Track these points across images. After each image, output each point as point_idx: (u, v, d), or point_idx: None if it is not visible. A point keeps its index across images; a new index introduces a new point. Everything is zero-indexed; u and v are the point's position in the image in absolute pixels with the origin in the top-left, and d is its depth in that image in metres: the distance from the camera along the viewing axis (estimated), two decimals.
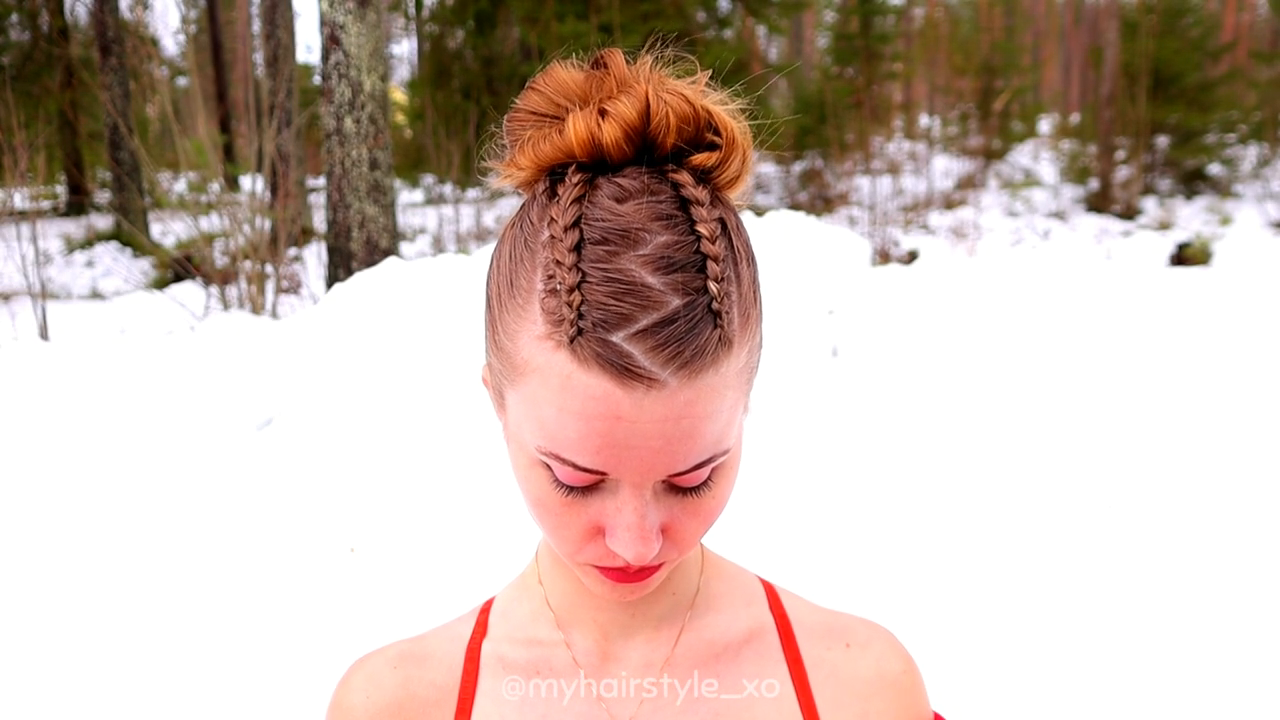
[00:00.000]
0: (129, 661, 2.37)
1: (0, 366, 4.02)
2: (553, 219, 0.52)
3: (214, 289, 8.15)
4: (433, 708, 0.65)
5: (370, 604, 2.58)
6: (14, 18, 16.24)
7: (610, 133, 0.52)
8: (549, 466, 0.53)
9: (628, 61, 0.55)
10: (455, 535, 2.87)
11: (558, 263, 0.50)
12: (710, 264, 0.50)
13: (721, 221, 0.53)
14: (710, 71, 0.56)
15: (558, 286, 0.50)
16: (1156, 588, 2.57)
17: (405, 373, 3.82)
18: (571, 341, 0.49)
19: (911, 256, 13.34)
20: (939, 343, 4.41)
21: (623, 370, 0.48)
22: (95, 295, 11.27)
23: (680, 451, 0.51)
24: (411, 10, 19.69)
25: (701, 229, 0.51)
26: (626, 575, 0.56)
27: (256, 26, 22.08)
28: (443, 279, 4.55)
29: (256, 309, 7.63)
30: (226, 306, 7.87)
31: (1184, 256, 12.70)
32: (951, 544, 2.81)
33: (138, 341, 5.14)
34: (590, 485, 0.53)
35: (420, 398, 3.64)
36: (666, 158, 0.53)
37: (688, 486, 0.54)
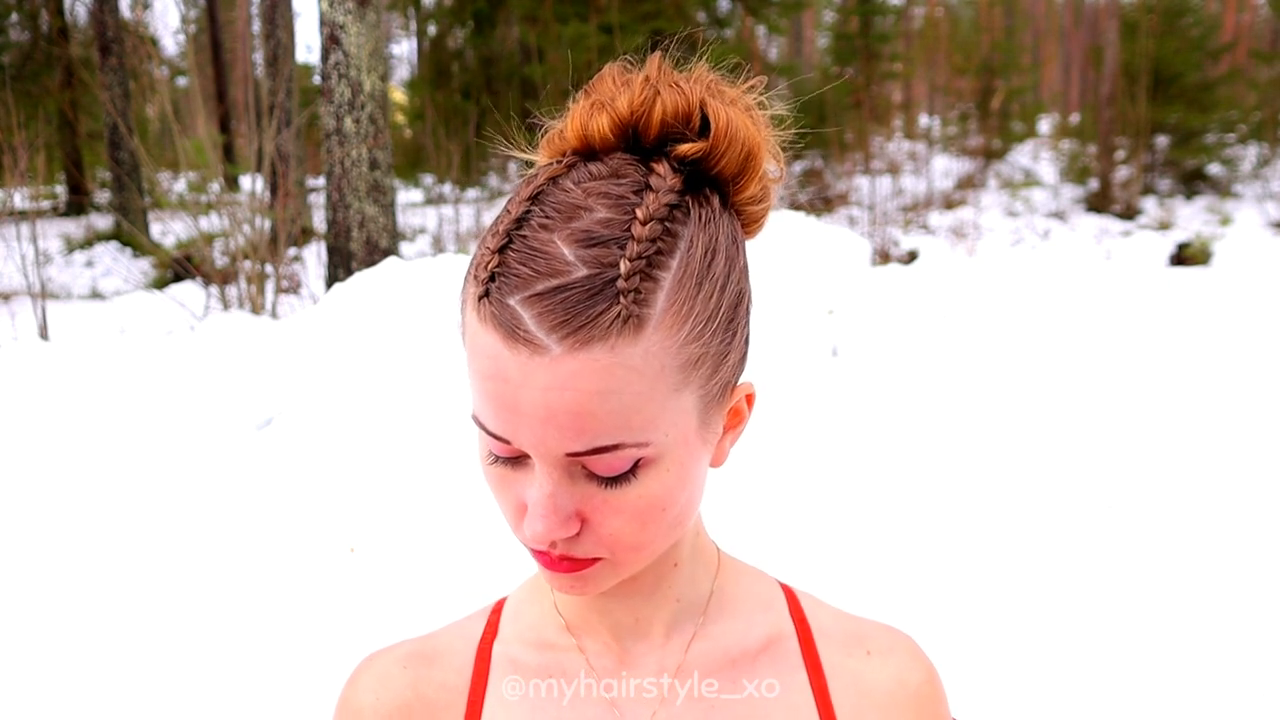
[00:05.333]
0: (129, 661, 2.37)
1: (0, 366, 4.02)
2: (516, 195, 0.54)
3: (214, 289, 8.14)
4: (442, 709, 0.64)
5: (370, 604, 2.58)
6: (14, 17, 16.24)
7: (598, 123, 0.53)
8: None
9: (679, 63, 0.56)
10: (456, 535, 2.86)
11: (493, 232, 0.53)
12: (632, 244, 0.50)
13: (679, 208, 0.52)
14: (762, 75, 0.58)
15: (485, 251, 0.52)
16: (1156, 587, 2.57)
17: (405, 373, 3.82)
18: (479, 301, 0.51)
19: (911, 256, 13.34)
20: (939, 343, 4.41)
21: (510, 331, 0.49)
22: (95, 295, 11.27)
23: (569, 427, 0.50)
24: (411, 10, 19.68)
25: (640, 212, 0.51)
26: (552, 562, 0.55)
27: (256, 26, 22.08)
28: (442, 279, 4.55)
29: (256, 309, 7.63)
30: (226, 306, 7.87)
31: (1184, 256, 12.70)
32: (951, 544, 2.81)
33: (138, 341, 5.14)
34: (515, 459, 0.54)
35: (420, 397, 3.64)
36: (658, 149, 0.54)
37: (605, 476, 0.53)
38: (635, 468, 0.53)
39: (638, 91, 0.53)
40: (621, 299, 0.49)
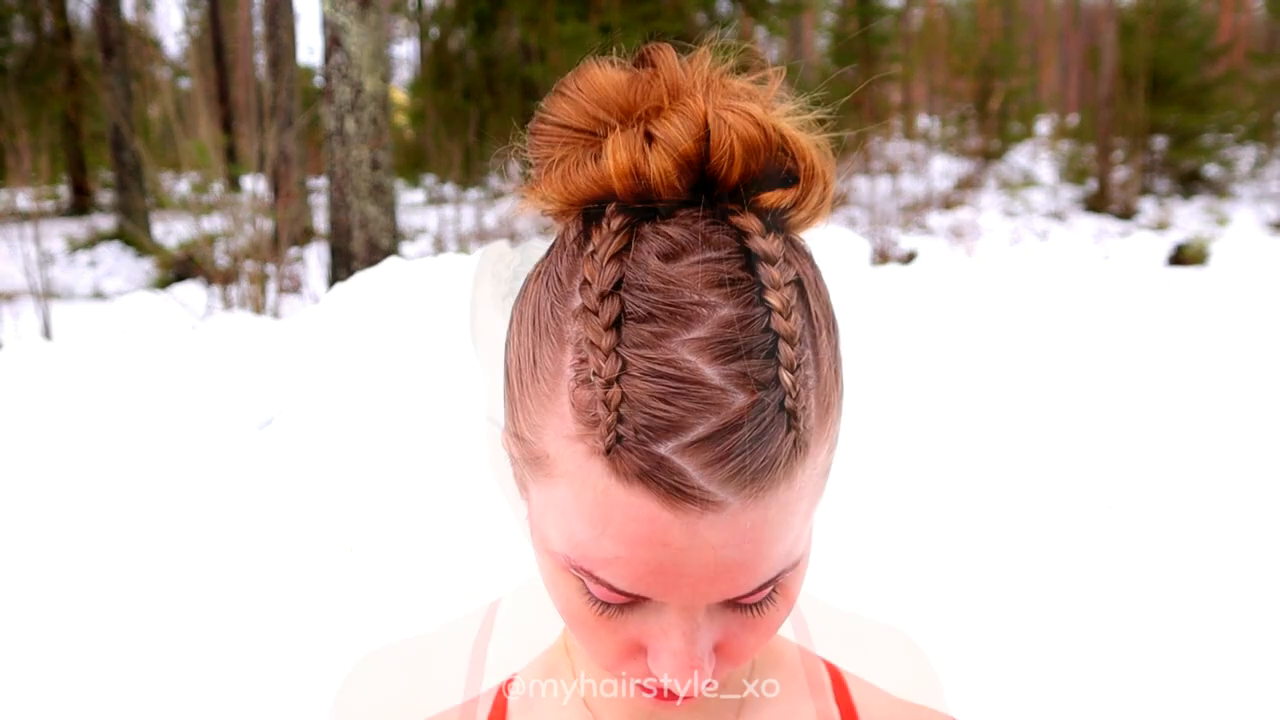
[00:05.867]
0: (129, 661, 2.38)
1: (3, 366, 4.04)
2: (586, 281, 0.42)
3: (216, 289, 8.17)
4: (439, 709, 0.64)
5: (370, 604, 2.59)
6: (17, 19, 16.27)
7: (658, 164, 0.42)
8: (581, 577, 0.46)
9: (680, 56, 0.45)
10: (455, 535, 2.88)
11: (591, 344, 0.41)
12: (783, 346, 0.40)
13: (798, 283, 0.43)
14: (784, 71, 0.46)
15: (592, 377, 0.41)
16: (1156, 587, 2.58)
17: (406, 373, 3.84)
18: (609, 451, 0.40)
19: (910, 257, 13.34)
20: (937, 343, 4.42)
21: (672, 490, 0.40)
22: (98, 295, 11.28)
23: (741, 578, 0.43)
24: (413, 10, 19.71)
25: (772, 298, 0.41)
26: (671, 696, 0.48)
27: (258, 28, 22.10)
28: (443, 279, 4.56)
29: (258, 309, 7.65)
30: (228, 306, 7.89)
31: (1181, 257, 12.69)
32: (950, 543, 2.83)
33: (139, 341, 5.15)
34: (630, 602, 0.45)
35: (421, 398, 3.66)
36: (728, 194, 0.43)
37: (751, 603, 0.46)
38: (778, 585, 0.47)
39: (711, 122, 0.41)
40: (792, 424, 0.41)
